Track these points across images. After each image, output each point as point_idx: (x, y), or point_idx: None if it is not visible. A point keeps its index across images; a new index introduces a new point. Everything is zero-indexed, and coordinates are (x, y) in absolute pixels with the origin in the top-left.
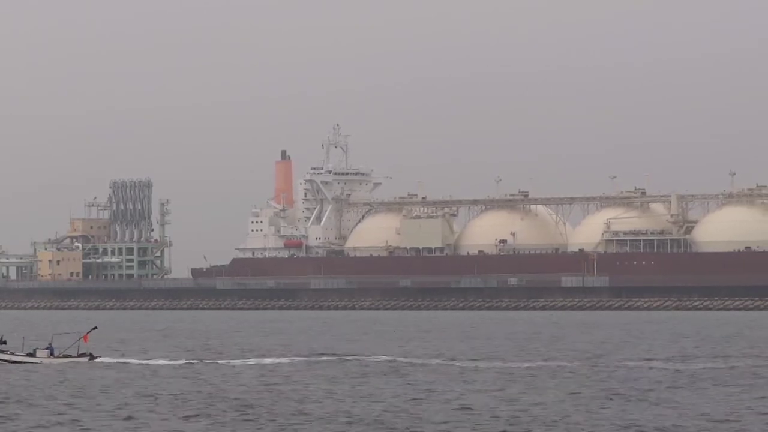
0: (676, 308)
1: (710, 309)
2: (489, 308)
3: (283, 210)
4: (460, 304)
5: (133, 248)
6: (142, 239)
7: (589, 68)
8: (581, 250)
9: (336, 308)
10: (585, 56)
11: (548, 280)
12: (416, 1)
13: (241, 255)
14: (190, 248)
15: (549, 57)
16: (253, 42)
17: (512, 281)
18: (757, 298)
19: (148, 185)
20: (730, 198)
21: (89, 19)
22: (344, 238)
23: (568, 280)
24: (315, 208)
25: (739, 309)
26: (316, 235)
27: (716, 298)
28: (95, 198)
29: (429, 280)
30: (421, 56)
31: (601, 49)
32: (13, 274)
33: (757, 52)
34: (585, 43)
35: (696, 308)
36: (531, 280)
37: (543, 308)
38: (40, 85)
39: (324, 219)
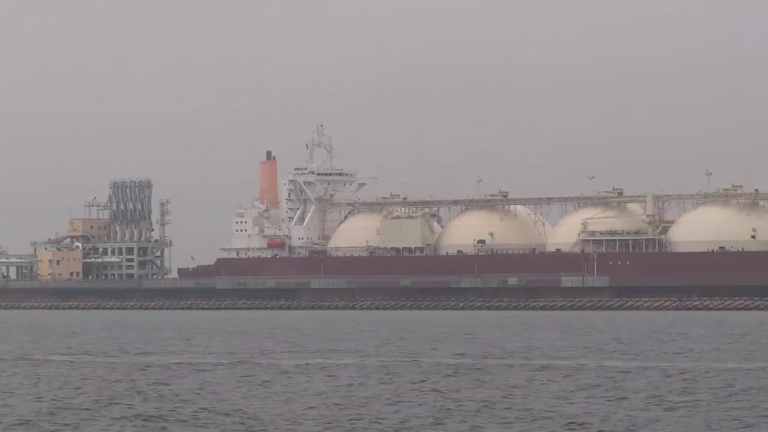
0: (676, 308)
1: (710, 309)
2: (489, 308)
3: (267, 210)
4: (460, 304)
5: (133, 248)
6: (142, 239)
7: (570, 76)
8: (558, 250)
9: (336, 308)
10: (567, 66)
11: (548, 280)
12: (402, 6)
13: (225, 255)
14: (190, 248)
15: (532, 66)
16: (242, 47)
17: (512, 281)
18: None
19: (148, 185)
20: (705, 198)
21: (89, 23)
22: (327, 239)
23: (568, 280)
24: (298, 209)
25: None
26: (299, 235)
27: (716, 298)
28: (95, 198)
29: (429, 279)
30: (406, 61)
31: (582, 59)
32: (13, 274)
33: (733, 60)
34: (567, 53)
35: (696, 308)
36: (531, 280)
37: (543, 308)
38: (40, 85)
39: (307, 219)
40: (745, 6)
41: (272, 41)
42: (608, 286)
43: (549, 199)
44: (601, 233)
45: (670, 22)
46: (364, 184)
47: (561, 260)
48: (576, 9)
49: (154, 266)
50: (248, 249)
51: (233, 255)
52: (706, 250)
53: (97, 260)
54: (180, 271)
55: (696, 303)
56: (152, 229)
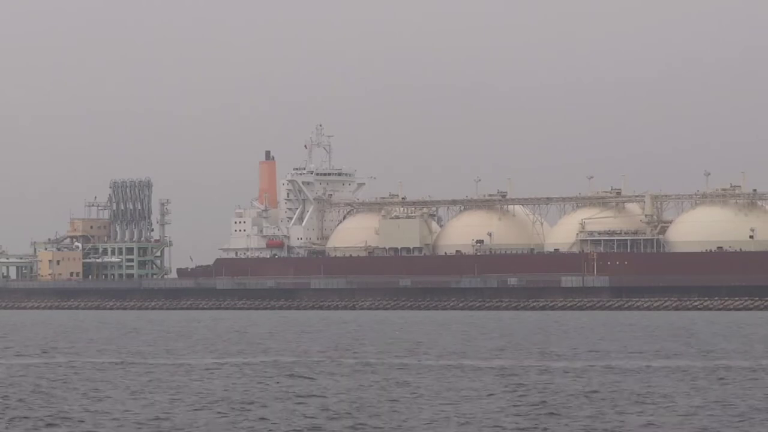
0: (676, 308)
1: (710, 309)
2: (489, 308)
3: (266, 210)
4: (460, 304)
5: (133, 248)
6: (142, 239)
7: (569, 78)
8: (556, 250)
9: (336, 308)
10: (566, 69)
11: (548, 280)
12: (400, 7)
13: (224, 255)
14: (190, 248)
15: (531, 68)
16: (242, 48)
17: (512, 281)
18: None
19: (148, 185)
20: (703, 198)
21: (89, 24)
22: (326, 239)
23: (568, 280)
24: (297, 209)
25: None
26: (298, 235)
27: (716, 298)
28: (95, 198)
29: (429, 279)
30: (405, 62)
31: (580, 63)
32: (13, 274)
33: (731, 62)
34: (566, 57)
35: (696, 308)
36: (531, 280)
37: (543, 308)
38: (40, 85)
39: (306, 219)
40: (742, 8)
41: (272, 42)
42: (608, 286)
43: (547, 199)
44: (600, 233)
45: (668, 26)
46: (363, 184)
47: (560, 260)
48: (574, 14)
49: (154, 266)
50: (247, 249)
51: (232, 255)
52: (704, 250)
53: (97, 260)
54: (179, 271)
55: (696, 303)
56: (152, 229)
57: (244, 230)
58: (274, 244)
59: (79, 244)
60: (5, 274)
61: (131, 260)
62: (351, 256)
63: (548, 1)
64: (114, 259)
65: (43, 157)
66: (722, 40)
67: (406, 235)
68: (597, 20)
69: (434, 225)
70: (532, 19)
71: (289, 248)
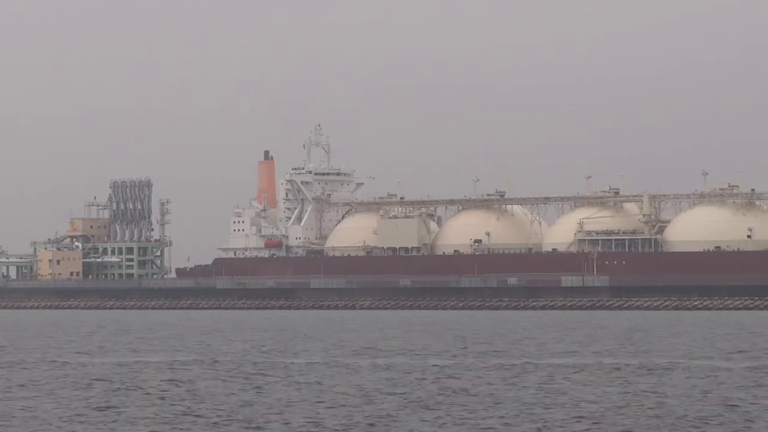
0: (676, 308)
1: (710, 309)
2: (489, 308)
3: (265, 210)
4: (460, 304)
5: (133, 248)
6: (142, 239)
7: (568, 78)
8: (554, 250)
9: (336, 308)
10: (565, 69)
11: (548, 280)
12: (400, 7)
13: (223, 255)
14: (189, 248)
15: (530, 69)
16: (241, 48)
17: (512, 281)
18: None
19: (148, 185)
20: (701, 198)
21: (90, 24)
22: (324, 238)
23: (568, 280)
24: (296, 209)
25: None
26: (296, 235)
27: (715, 298)
28: (95, 198)
29: (429, 279)
30: (404, 62)
31: (578, 63)
32: (13, 274)
33: (729, 62)
34: (565, 57)
35: (696, 308)
36: (531, 279)
37: (543, 308)
38: (40, 85)
39: (304, 219)
40: (742, 8)
41: (272, 42)
42: (608, 285)
43: (546, 198)
44: (598, 233)
45: (668, 26)
46: (362, 183)
47: (560, 260)
48: (574, 14)
49: (154, 266)
50: (245, 249)
51: (230, 255)
52: (701, 250)
53: (97, 260)
54: (178, 271)
55: (696, 303)
56: (152, 229)
57: (243, 230)
58: (273, 243)
59: (79, 244)
60: (5, 274)
61: (131, 260)
62: (350, 255)
63: (548, 1)
64: (114, 258)
65: (43, 157)
66: (722, 40)
67: (404, 234)
68: (597, 20)
69: (432, 225)
70: (532, 19)
71: (288, 248)
